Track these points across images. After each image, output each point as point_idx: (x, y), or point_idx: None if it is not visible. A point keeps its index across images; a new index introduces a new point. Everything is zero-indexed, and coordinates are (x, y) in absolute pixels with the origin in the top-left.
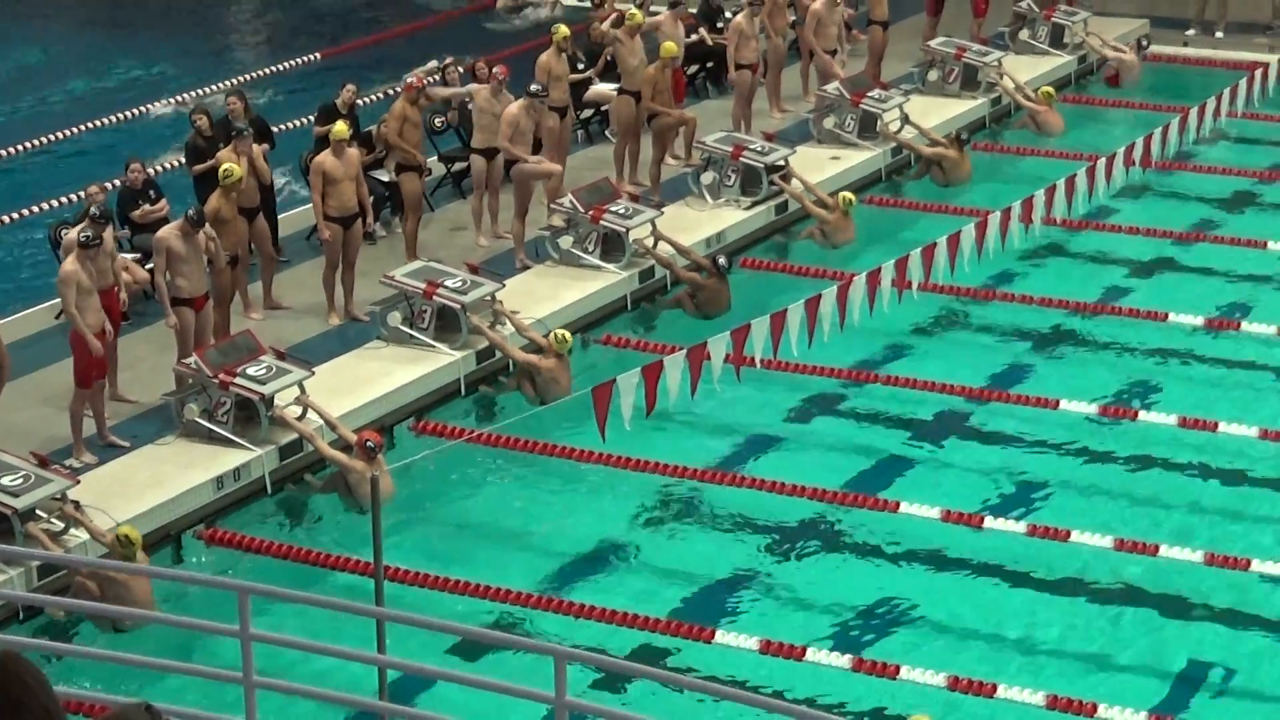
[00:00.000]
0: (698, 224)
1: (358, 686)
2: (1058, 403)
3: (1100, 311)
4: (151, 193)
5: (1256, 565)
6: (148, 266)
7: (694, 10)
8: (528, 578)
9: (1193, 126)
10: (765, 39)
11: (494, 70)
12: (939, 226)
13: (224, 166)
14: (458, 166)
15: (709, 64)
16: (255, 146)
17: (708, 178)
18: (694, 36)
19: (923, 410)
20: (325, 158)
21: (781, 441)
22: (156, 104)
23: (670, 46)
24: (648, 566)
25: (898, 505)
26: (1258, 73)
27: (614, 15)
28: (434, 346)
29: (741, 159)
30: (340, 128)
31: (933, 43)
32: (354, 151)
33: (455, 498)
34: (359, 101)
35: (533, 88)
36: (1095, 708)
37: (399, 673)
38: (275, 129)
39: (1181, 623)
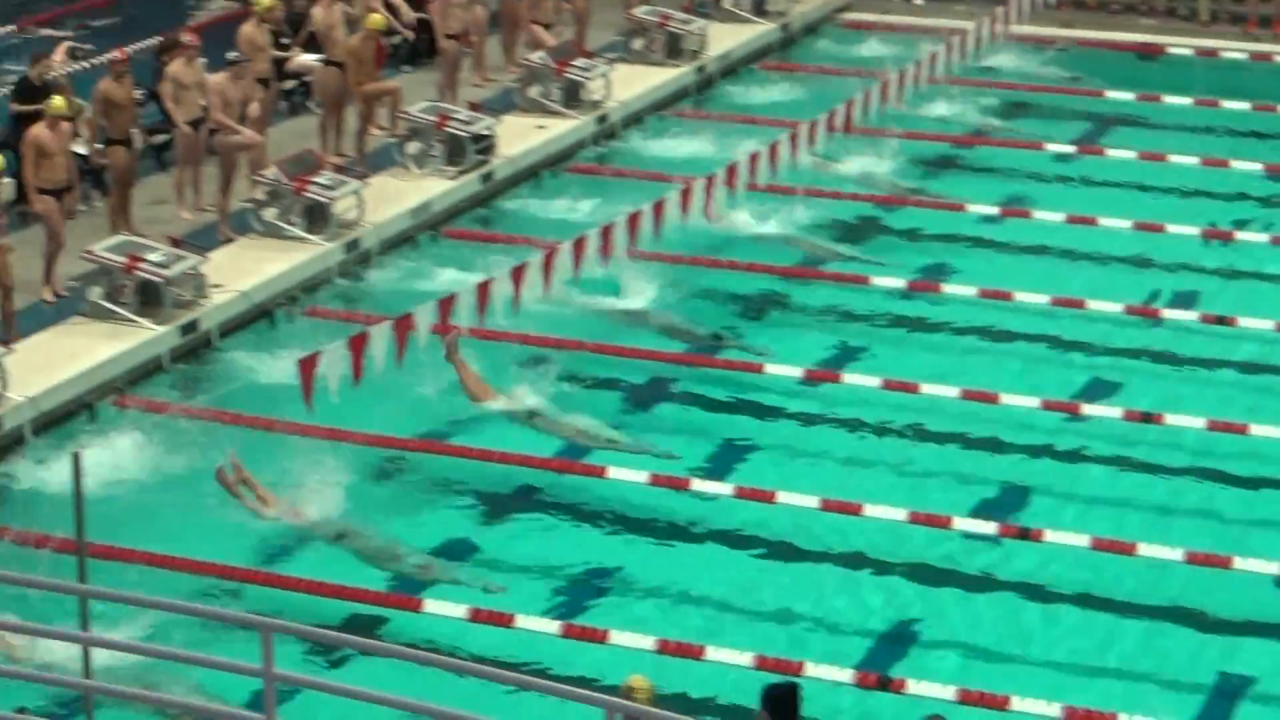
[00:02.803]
0: (403, 194)
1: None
2: (761, 367)
3: (808, 276)
4: None
5: (959, 523)
6: None
7: None
8: (236, 551)
9: (893, 92)
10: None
11: (184, 40)
12: (646, 192)
13: None
14: (159, 139)
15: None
16: None
17: (413, 148)
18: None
19: (633, 375)
20: (40, 131)
21: (490, 410)
22: None
23: (377, 19)
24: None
25: (604, 470)
26: (956, 39)
27: None
28: (135, 322)
29: (447, 128)
30: (59, 102)
31: (636, 10)
32: (67, 125)
33: (159, 472)
34: (67, 70)
35: (231, 55)
36: (801, 666)
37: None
38: None
39: (845, 570)
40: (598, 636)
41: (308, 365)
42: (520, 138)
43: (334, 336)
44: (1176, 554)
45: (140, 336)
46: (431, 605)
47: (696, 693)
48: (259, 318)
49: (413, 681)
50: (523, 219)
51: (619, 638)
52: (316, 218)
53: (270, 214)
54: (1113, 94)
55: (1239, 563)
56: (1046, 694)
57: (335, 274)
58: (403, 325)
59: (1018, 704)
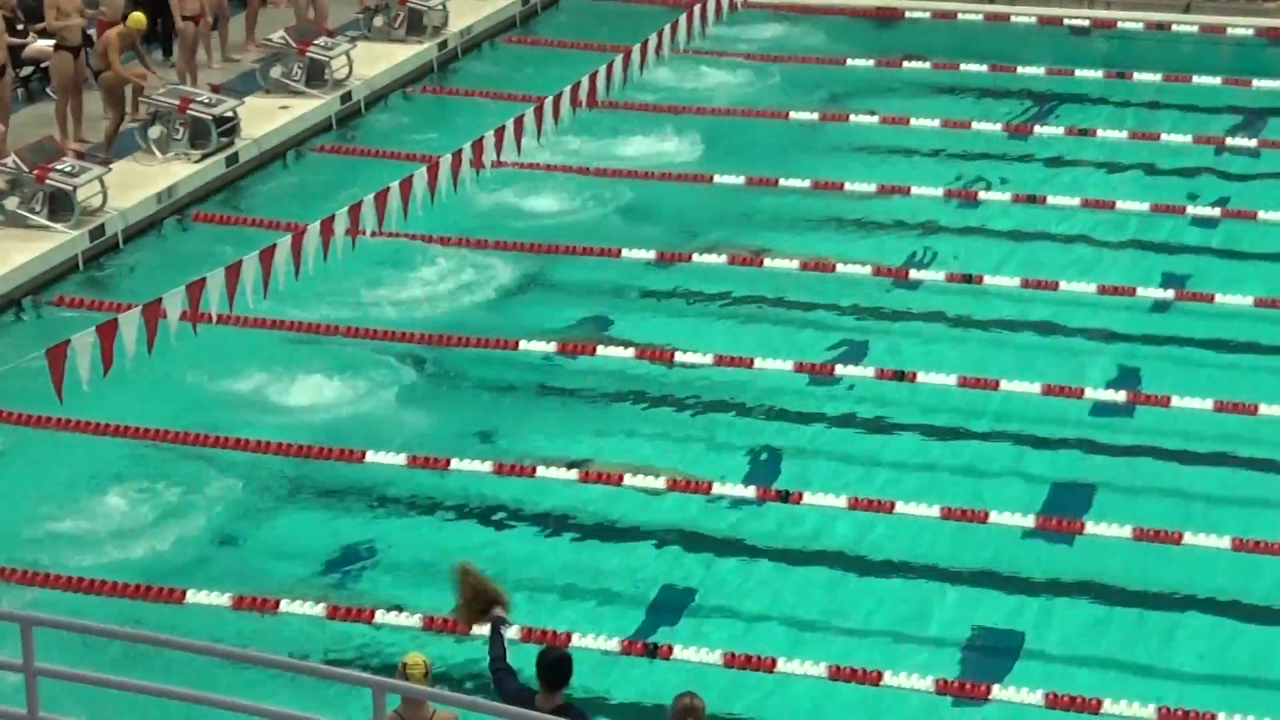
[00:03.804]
0: (148, 179)
1: None
2: (518, 343)
3: (559, 251)
4: None
5: (717, 487)
6: None
7: None
8: None
9: (635, 64)
10: None
11: None
12: (392, 171)
13: None
14: None
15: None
16: None
17: (155, 132)
18: None
19: (391, 354)
20: None
21: (244, 396)
22: None
23: (138, 16)
24: (116, 530)
25: (364, 455)
26: (696, 9)
27: None
28: None
29: (189, 111)
30: None
31: None
32: None
33: None
34: None
35: None
36: (569, 636)
37: None
38: None
39: (649, 545)
40: (363, 616)
41: (56, 356)
42: (265, 119)
43: (83, 327)
44: (934, 510)
45: None
46: (194, 595)
47: (459, 672)
48: (4, 309)
49: (188, 672)
50: (269, 200)
51: (385, 616)
52: (59, 206)
53: (12, 203)
54: (854, 61)
55: (995, 516)
56: (813, 655)
57: (81, 262)
58: (152, 312)
59: (784, 665)
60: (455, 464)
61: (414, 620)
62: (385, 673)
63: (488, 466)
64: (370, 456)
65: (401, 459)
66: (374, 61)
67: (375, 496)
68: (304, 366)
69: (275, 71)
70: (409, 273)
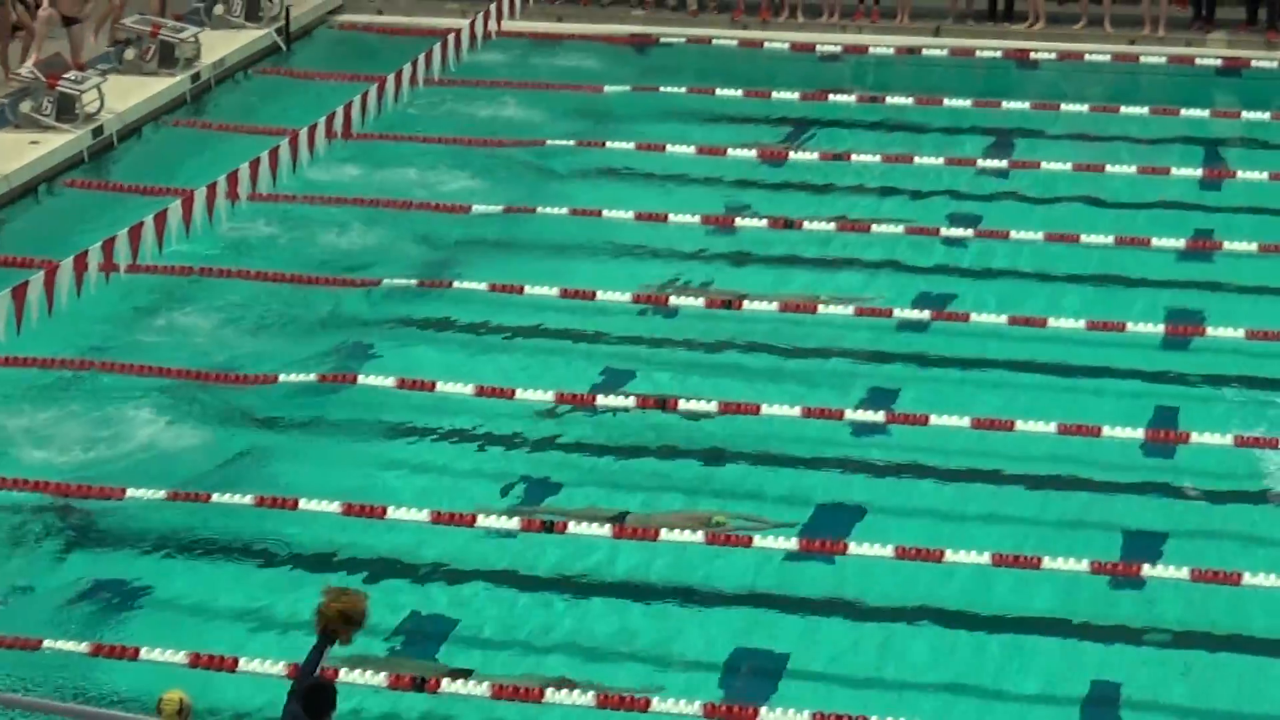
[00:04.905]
0: None
1: None
2: (277, 377)
3: (318, 282)
4: None
5: (482, 520)
6: None
7: None
8: None
9: (390, 94)
10: None
11: None
12: (146, 206)
13: None
14: None
15: None
16: None
17: None
18: None
19: (148, 389)
20: None
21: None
22: None
23: None
24: None
25: (123, 492)
26: (450, 37)
27: None
28: None
29: None
30: None
31: (127, 20)
32: None
33: None
34: None
35: None
36: (336, 672)
37: None
38: None
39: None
40: (128, 654)
41: None
42: (14, 154)
43: None
44: (698, 536)
45: None
46: None
47: (225, 704)
48: None
49: None
50: (19, 236)
51: (150, 654)
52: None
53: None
54: (610, 87)
55: (759, 541)
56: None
57: None
58: None
59: (552, 696)
60: (216, 498)
61: (179, 658)
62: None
63: (249, 500)
64: (130, 493)
65: (162, 494)
66: (126, 95)
67: (134, 530)
68: (57, 403)
69: (25, 106)
70: (165, 307)
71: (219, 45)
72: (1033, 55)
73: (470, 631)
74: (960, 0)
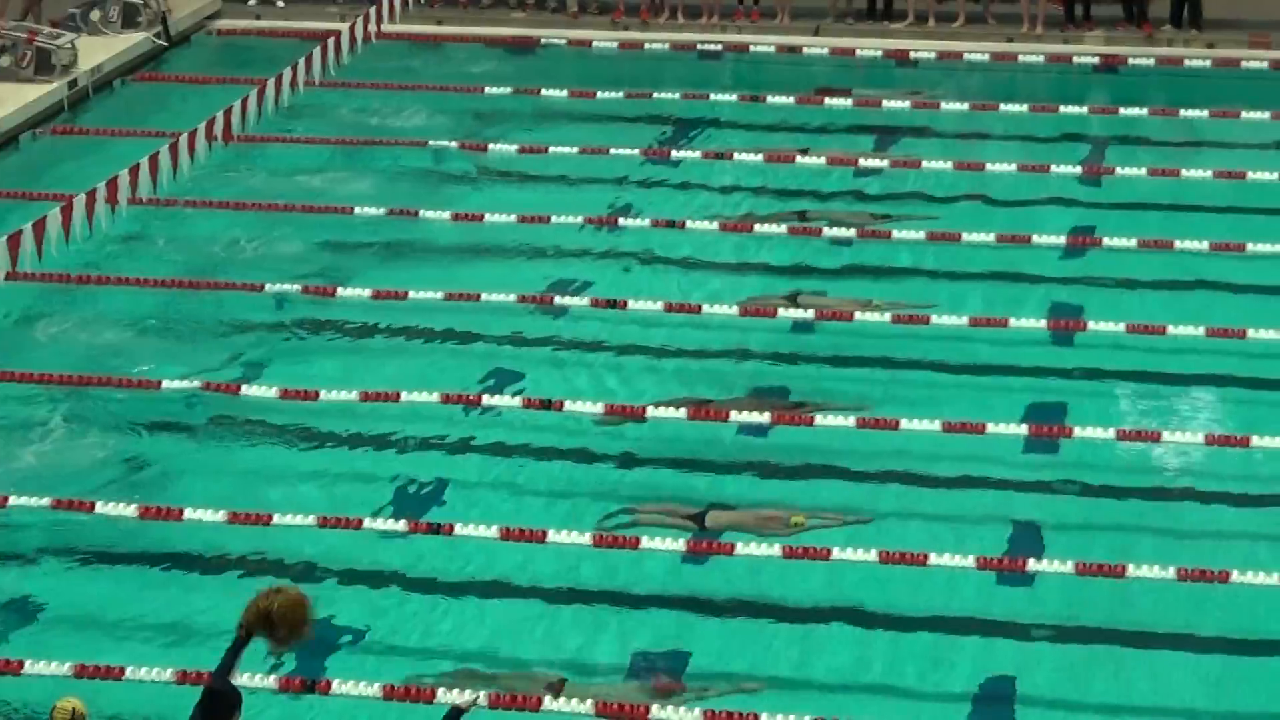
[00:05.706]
0: None
1: None
2: (160, 383)
3: (201, 287)
4: None
5: (369, 523)
6: None
7: None
8: None
9: (270, 98)
10: None
11: None
12: (25, 212)
13: None
14: None
15: None
16: None
17: None
18: None
19: (31, 396)
20: None
21: None
22: None
23: None
24: None
25: (5, 500)
26: (331, 40)
27: None
28: None
29: None
30: None
31: (3, 26)
32: None
33: None
34: None
35: None
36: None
37: None
38: None
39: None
40: (11, 668)
41: None
42: None
43: None
44: (585, 538)
45: None
46: None
47: (112, 713)
48: None
49: None
50: None
51: (35, 667)
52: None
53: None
54: (491, 89)
55: (646, 542)
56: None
57: None
58: None
59: (443, 696)
60: (100, 508)
61: (65, 669)
62: None
63: (133, 510)
64: (13, 500)
65: (47, 501)
66: (1, 102)
67: (16, 543)
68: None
69: None
70: (47, 315)
71: (97, 51)
72: (912, 54)
73: (359, 634)
74: None
